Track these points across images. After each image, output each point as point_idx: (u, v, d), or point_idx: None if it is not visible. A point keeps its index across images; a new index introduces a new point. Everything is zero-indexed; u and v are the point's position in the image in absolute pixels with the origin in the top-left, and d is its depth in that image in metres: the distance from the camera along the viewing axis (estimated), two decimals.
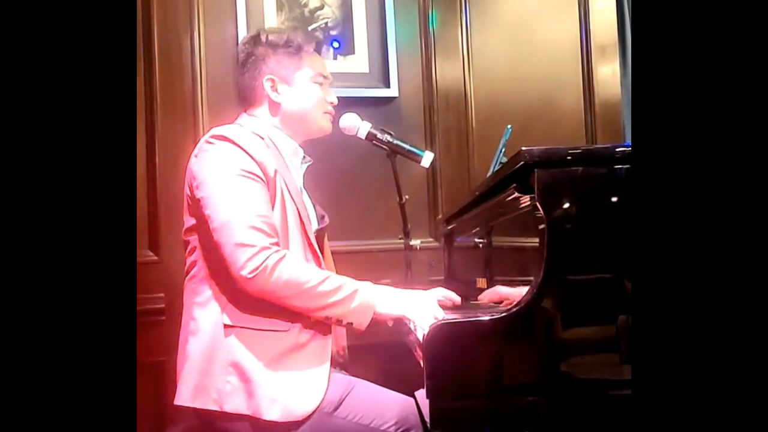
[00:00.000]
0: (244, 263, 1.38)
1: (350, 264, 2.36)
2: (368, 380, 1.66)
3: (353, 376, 1.69)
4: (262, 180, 1.49)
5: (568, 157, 1.23)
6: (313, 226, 1.66)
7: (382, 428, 1.45)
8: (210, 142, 1.50)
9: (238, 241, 1.39)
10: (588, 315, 1.20)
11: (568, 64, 2.76)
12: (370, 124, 1.88)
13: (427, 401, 1.19)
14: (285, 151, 1.64)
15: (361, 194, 2.53)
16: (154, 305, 2.18)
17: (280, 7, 2.52)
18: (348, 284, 1.45)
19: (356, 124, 1.87)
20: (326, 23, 2.58)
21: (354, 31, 2.60)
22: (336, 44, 2.58)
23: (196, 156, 1.52)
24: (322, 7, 2.58)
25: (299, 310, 1.44)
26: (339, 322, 1.45)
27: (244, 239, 1.39)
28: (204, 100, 2.40)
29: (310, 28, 2.55)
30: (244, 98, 1.69)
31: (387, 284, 1.52)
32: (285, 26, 1.76)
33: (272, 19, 2.50)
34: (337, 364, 1.67)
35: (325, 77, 1.69)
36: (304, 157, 1.71)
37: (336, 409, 1.45)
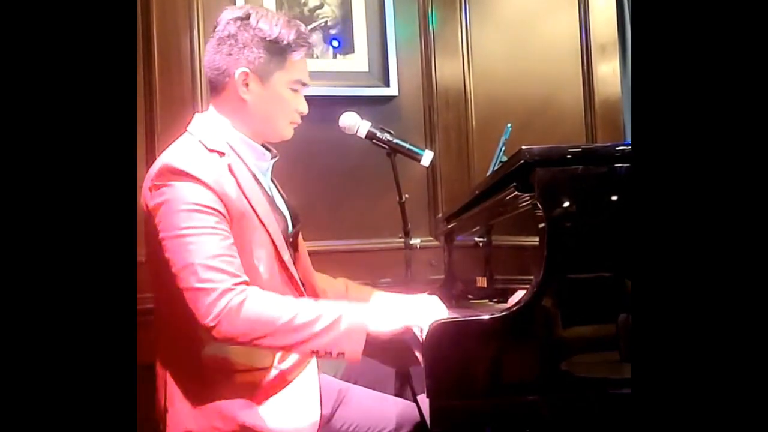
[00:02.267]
0: (207, 308, 1.26)
1: (350, 263, 2.38)
2: (368, 376, 1.65)
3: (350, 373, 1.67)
4: (223, 214, 1.35)
5: (568, 156, 1.23)
6: (289, 230, 1.57)
7: None
8: (166, 181, 1.35)
9: (198, 285, 1.27)
10: (588, 314, 1.20)
11: (567, 63, 2.76)
12: (369, 123, 1.87)
13: (427, 401, 1.19)
14: (250, 160, 1.50)
15: (360, 193, 2.53)
16: (152, 305, 2.17)
17: (279, 5, 2.52)
18: (329, 310, 1.30)
19: (356, 123, 1.87)
20: (326, 22, 2.58)
21: (354, 29, 2.60)
22: (335, 43, 2.58)
23: (150, 191, 1.38)
24: (321, 6, 2.57)
25: (279, 349, 1.34)
26: (328, 355, 1.28)
27: (204, 284, 1.27)
28: (203, 99, 2.39)
29: (309, 27, 2.53)
30: (210, 77, 1.51)
31: (387, 284, 1.49)
32: (282, 16, 1.54)
33: None
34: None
35: (303, 84, 1.54)
36: (270, 153, 1.57)
37: (329, 420, 1.42)
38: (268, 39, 1.47)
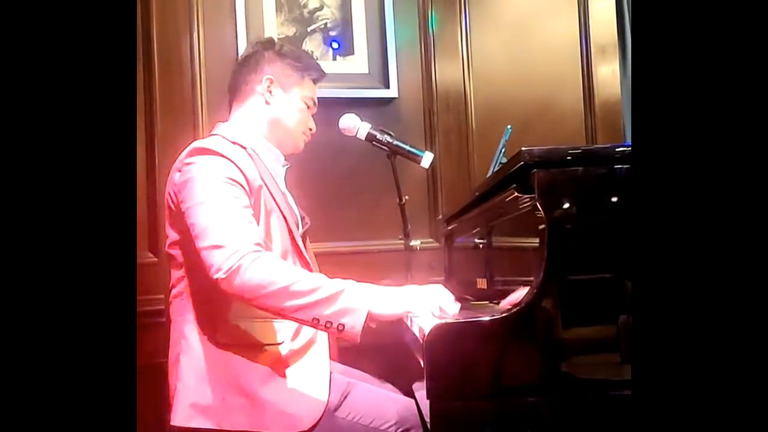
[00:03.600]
0: (220, 263, 1.33)
1: (350, 264, 2.37)
2: (368, 380, 1.66)
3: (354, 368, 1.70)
4: (246, 190, 1.47)
5: (568, 157, 1.23)
6: (300, 227, 1.66)
7: (382, 428, 1.45)
8: (192, 158, 1.48)
9: (215, 243, 1.35)
10: (588, 315, 1.20)
11: (567, 65, 2.76)
12: (369, 125, 1.88)
13: (427, 402, 1.19)
14: (267, 159, 1.64)
15: (361, 195, 2.53)
16: (153, 307, 2.17)
17: (279, 8, 2.52)
18: (331, 284, 1.35)
19: (356, 125, 1.88)
20: (325, 24, 2.58)
21: (353, 31, 2.60)
22: (335, 45, 2.58)
23: (179, 171, 1.50)
24: (321, 8, 2.58)
25: (277, 311, 1.36)
26: (329, 325, 1.32)
27: (221, 241, 1.35)
28: (203, 102, 2.40)
29: (309, 29, 2.55)
30: (235, 90, 1.69)
31: (387, 284, 1.50)
32: (287, 31, 1.84)
33: (271, 20, 2.50)
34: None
35: (314, 104, 1.74)
36: (284, 158, 1.72)
37: (336, 409, 1.45)
38: (290, 57, 1.69)
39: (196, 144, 1.51)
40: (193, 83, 2.40)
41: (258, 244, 1.38)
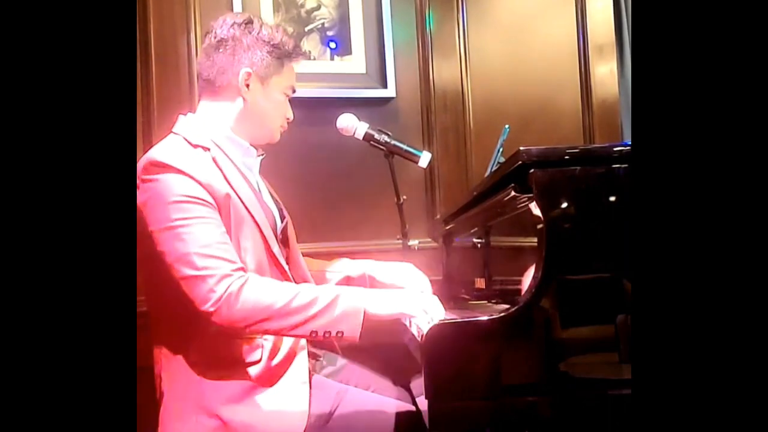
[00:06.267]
0: (206, 295, 1.27)
1: None
2: (366, 381, 1.65)
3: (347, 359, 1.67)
4: (212, 204, 1.37)
5: (566, 157, 1.23)
6: (278, 225, 1.58)
7: None
8: (150, 175, 1.36)
9: (196, 273, 1.28)
10: (586, 314, 1.20)
11: (565, 64, 2.76)
12: (367, 125, 1.88)
13: (426, 402, 1.19)
14: (235, 156, 1.51)
15: (358, 195, 2.53)
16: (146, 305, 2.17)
17: (276, 7, 2.52)
18: (325, 292, 1.33)
19: (353, 125, 1.87)
20: (323, 24, 2.58)
21: (351, 31, 2.60)
22: (333, 45, 2.58)
23: (138, 188, 1.37)
24: (318, 8, 2.58)
25: (278, 332, 1.33)
26: (327, 335, 1.30)
27: (201, 271, 1.28)
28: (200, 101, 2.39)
29: (306, 29, 2.55)
30: (208, 80, 1.52)
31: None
32: (282, 26, 1.61)
33: (269, 19, 2.49)
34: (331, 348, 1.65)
35: (293, 91, 1.60)
36: (256, 151, 1.59)
37: (327, 421, 1.41)
38: (270, 43, 1.52)
39: (153, 156, 1.38)
40: (191, 82, 2.40)
41: (240, 268, 1.33)
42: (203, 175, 1.38)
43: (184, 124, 1.52)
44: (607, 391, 1.19)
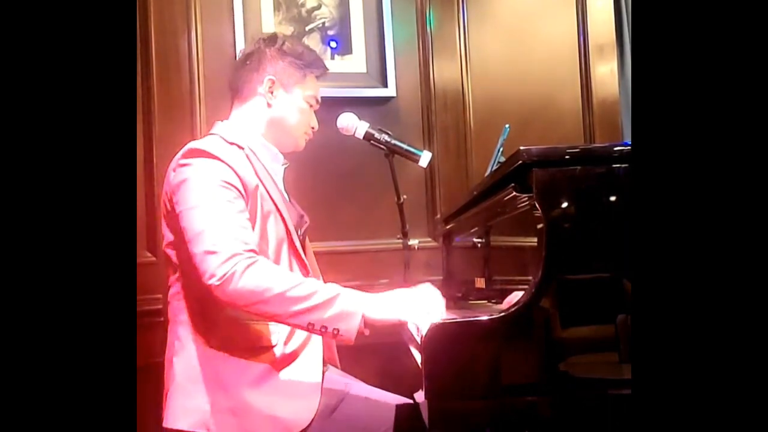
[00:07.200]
0: (214, 270, 1.32)
1: (349, 264, 2.38)
2: (366, 381, 1.66)
3: (349, 374, 1.70)
4: (241, 193, 1.45)
5: (566, 157, 1.23)
6: (301, 226, 1.65)
7: (379, 431, 1.44)
8: (187, 159, 1.46)
9: (209, 249, 1.34)
10: (587, 314, 1.20)
11: (565, 64, 2.76)
12: (367, 124, 1.88)
13: (426, 402, 1.19)
14: (265, 159, 1.61)
15: (359, 194, 2.53)
16: (152, 306, 2.17)
17: (277, 6, 2.52)
18: (327, 289, 1.35)
19: (354, 124, 1.87)
20: (323, 23, 2.58)
21: (351, 30, 2.60)
22: (333, 44, 2.58)
23: (174, 171, 1.48)
24: (319, 7, 2.58)
25: (274, 317, 1.37)
26: (324, 330, 1.33)
27: (214, 246, 1.34)
28: (201, 101, 2.39)
29: (307, 28, 2.55)
30: (236, 89, 1.66)
31: (385, 284, 1.50)
32: (285, 30, 1.80)
33: (269, 19, 2.50)
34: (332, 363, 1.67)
35: (317, 102, 1.71)
36: (282, 158, 1.69)
37: (332, 412, 1.44)
38: (292, 55, 1.66)
39: (193, 145, 1.49)
40: (191, 82, 2.40)
41: (252, 250, 1.37)
42: (237, 165, 1.47)
43: (220, 127, 1.63)
44: (607, 391, 1.19)
